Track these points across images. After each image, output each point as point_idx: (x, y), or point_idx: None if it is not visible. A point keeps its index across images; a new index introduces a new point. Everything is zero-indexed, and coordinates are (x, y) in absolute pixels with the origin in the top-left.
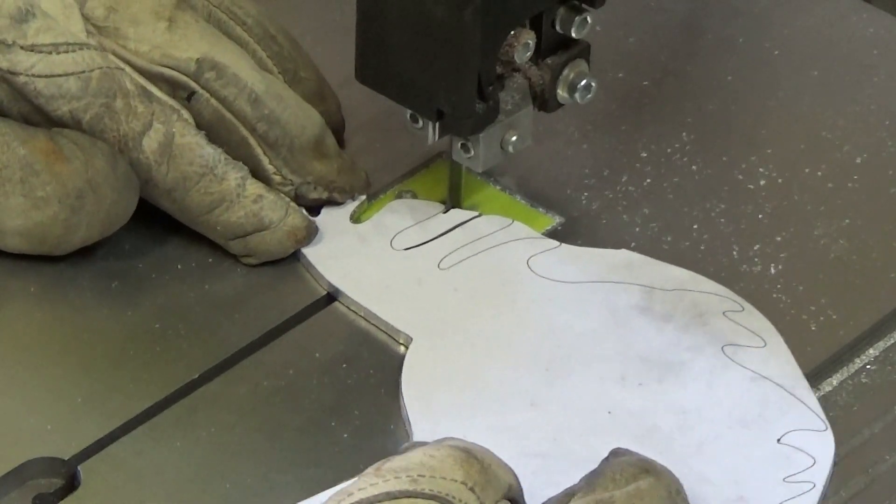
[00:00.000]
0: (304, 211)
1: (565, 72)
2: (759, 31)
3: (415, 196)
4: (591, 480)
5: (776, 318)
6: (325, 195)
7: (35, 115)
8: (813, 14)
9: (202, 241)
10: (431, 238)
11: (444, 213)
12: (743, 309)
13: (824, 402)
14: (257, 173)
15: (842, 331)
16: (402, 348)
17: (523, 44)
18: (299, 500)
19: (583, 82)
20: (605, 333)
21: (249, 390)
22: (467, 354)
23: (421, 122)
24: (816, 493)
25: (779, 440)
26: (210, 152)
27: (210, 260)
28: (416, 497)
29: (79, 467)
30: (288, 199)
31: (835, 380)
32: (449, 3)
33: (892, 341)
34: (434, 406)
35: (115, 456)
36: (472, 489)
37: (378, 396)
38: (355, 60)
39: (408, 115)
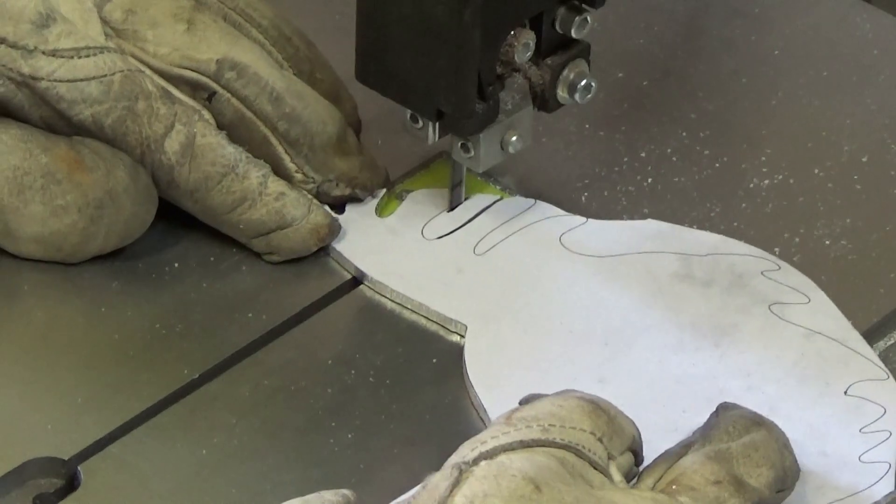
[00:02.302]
0: (326, 208)
1: (565, 72)
2: (759, 31)
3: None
4: (707, 434)
5: None
6: (346, 192)
7: (56, 120)
8: (813, 14)
9: (203, 241)
10: (460, 225)
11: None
12: (779, 268)
13: None
14: (279, 172)
15: None
16: (457, 337)
17: (523, 44)
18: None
19: (583, 82)
20: (653, 303)
21: (249, 390)
22: (525, 337)
23: (421, 122)
24: (894, 441)
25: (845, 392)
26: (231, 151)
27: (211, 259)
28: (550, 446)
29: (79, 467)
30: (310, 196)
31: None
32: (449, 3)
33: (892, 341)
34: (505, 390)
35: (115, 456)
36: (600, 439)
37: (378, 396)
38: (355, 60)
39: (408, 115)
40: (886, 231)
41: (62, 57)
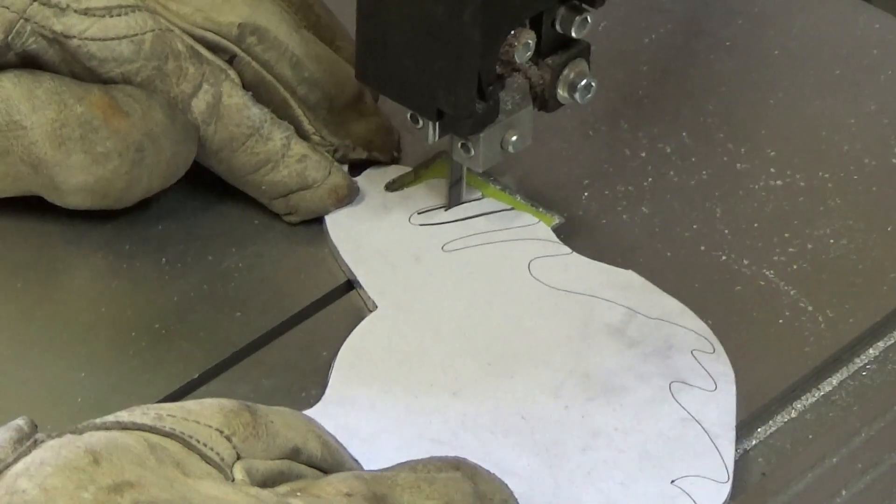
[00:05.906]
0: (345, 170)
1: (565, 72)
2: (758, 31)
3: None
4: (393, 466)
5: (775, 317)
6: (364, 155)
7: (86, 76)
8: (813, 14)
9: (202, 241)
10: (450, 220)
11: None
12: (713, 351)
13: (824, 401)
14: (297, 134)
15: (842, 331)
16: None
17: (523, 44)
18: None
19: (583, 82)
20: (565, 345)
21: (249, 390)
22: (420, 334)
23: (421, 122)
24: None
25: (672, 482)
26: (257, 113)
27: (210, 258)
28: (150, 432)
29: None
30: (331, 158)
31: (835, 380)
32: (449, 3)
33: (892, 341)
34: (358, 373)
35: None
36: (228, 437)
37: None
38: (355, 60)
39: (408, 115)
40: (886, 231)
41: (94, 16)
